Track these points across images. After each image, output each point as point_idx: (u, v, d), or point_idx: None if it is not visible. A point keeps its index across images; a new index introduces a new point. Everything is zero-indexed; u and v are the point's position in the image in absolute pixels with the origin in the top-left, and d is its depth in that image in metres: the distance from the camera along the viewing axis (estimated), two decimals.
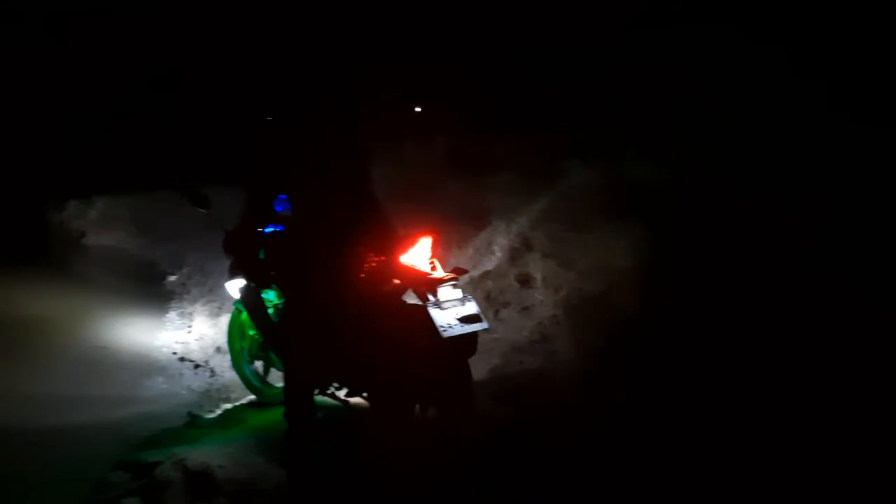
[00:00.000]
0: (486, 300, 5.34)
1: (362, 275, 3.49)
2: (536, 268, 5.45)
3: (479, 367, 4.36)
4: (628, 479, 3.22)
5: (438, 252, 5.51)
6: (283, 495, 3.32)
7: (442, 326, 3.29)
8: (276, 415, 3.91)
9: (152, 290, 5.97)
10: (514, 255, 5.62)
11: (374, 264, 3.51)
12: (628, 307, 4.80)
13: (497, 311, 5.28)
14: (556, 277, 5.32)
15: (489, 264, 5.66)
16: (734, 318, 4.33)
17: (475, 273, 5.57)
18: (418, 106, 7.43)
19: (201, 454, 3.51)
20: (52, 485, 3.42)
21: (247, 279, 4.10)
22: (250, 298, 4.11)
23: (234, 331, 4.40)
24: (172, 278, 6.19)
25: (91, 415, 4.16)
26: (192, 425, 4.12)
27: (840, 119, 5.21)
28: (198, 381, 4.72)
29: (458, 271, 3.61)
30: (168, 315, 5.73)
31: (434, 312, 3.33)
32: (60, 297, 5.40)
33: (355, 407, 3.85)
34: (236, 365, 4.43)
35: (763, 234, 4.84)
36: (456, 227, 5.96)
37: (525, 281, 5.45)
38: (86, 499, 3.33)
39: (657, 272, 4.92)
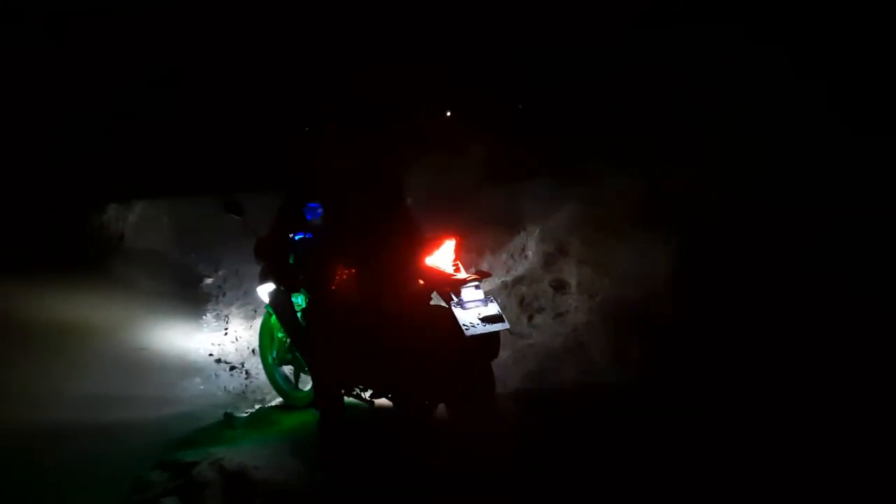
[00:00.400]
0: (520, 305, 5.31)
1: (389, 278, 3.59)
2: (571, 273, 5.41)
3: (513, 373, 4.45)
4: (646, 488, 3.26)
5: (472, 257, 5.61)
6: (317, 498, 3.37)
7: (465, 325, 3.44)
8: (308, 417, 4.03)
9: (189, 292, 6.01)
10: (549, 261, 5.56)
11: (400, 267, 3.62)
12: (664, 315, 4.75)
13: (531, 317, 5.25)
14: (590, 283, 5.27)
15: (523, 269, 5.61)
16: (763, 324, 4.32)
17: (508, 278, 5.54)
18: (449, 110, 7.46)
19: (237, 455, 3.57)
20: (96, 482, 3.51)
21: (276, 284, 4.18)
22: (280, 302, 4.20)
23: (265, 334, 4.48)
24: (209, 281, 6.24)
25: (131, 414, 4.26)
26: (228, 426, 4.18)
27: (840, 119, 5.30)
28: (233, 383, 4.78)
29: (481, 274, 3.75)
30: (204, 317, 5.79)
31: (457, 312, 3.48)
32: (101, 298, 5.43)
33: (380, 408, 3.93)
34: (266, 367, 4.51)
35: (775, 235, 4.89)
36: (490, 232, 6.01)
37: (560, 286, 5.39)
38: (127, 497, 3.40)
39: (692, 279, 4.89)
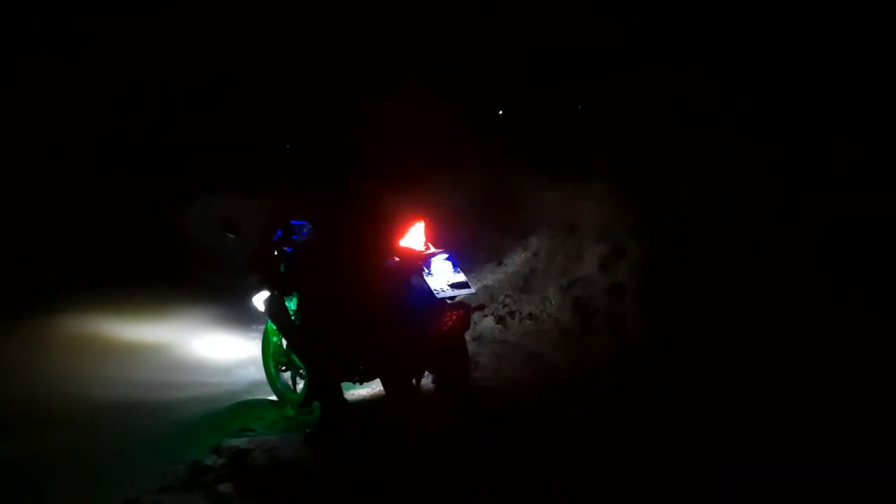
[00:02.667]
0: (575, 308, 5.21)
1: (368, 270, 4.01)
2: (628, 277, 5.26)
3: (563, 374, 4.55)
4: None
5: (527, 256, 5.91)
6: (364, 492, 3.41)
7: (435, 290, 3.96)
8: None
9: (246, 286, 5.89)
10: (606, 263, 5.44)
11: (376, 258, 4.05)
12: (723, 325, 4.51)
13: (585, 320, 5.14)
14: (647, 288, 5.14)
15: (579, 271, 5.52)
16: (821, 334, 4.10)
17: (564, 281, 5.48)
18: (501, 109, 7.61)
19: (289, 445, 3.74)
20: (159, 463, 3.71)
21: (270, 289, 4.47)
22: (274, 306, 4.46)
23: (266, 341, 4.68)
24: None
25: (189, 396, 4.59)
26: (282, 416, 4.33)
27: (841, 119, 5.33)
28: (286, 375, 4.73)
29: (446, 251, 4.18)
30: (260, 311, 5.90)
31: (429, 280, 3.99)
32: (164, 288, 5.69)
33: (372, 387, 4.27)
34: (266, 371, 4.67)
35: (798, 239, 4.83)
36: (547, 233, 6.07)
37: (616, 290, 5.24)
38: (186, 480, 3.54)
39: (751, 291, 4.67)
